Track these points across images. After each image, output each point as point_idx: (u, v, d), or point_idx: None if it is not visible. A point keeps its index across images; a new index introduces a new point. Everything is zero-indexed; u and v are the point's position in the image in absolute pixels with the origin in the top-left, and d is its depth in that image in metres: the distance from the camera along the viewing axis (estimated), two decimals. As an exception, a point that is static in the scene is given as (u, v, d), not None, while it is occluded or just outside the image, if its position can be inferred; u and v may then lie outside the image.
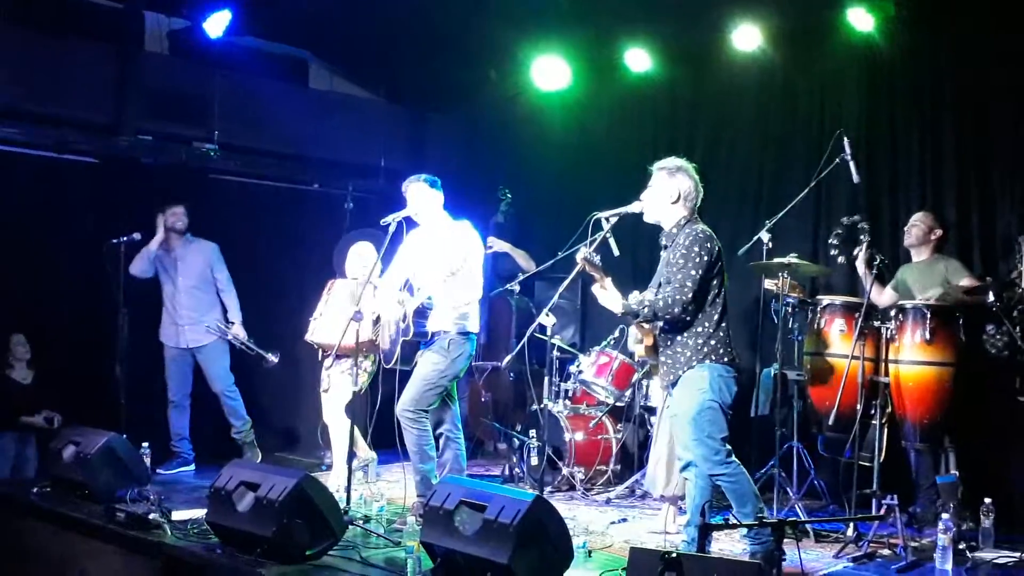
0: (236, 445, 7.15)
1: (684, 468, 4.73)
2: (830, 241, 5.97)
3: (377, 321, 5.80)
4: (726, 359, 4.65)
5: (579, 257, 4.69)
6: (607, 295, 4.71)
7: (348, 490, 5.37)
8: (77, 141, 7.22)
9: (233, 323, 7.07)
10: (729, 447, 4.62)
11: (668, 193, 4.76)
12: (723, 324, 4.67)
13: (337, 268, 6.96)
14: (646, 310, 4.59)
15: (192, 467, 7.08)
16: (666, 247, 4.76)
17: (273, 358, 6.28)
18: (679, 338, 4.66)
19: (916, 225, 5.96)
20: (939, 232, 5.92)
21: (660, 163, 4.86)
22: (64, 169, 7.23)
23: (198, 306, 7.09)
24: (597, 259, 4.67)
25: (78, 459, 5.55)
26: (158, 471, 6.70)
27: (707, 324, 4.63)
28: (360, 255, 6.41)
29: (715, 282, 4.64)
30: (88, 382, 6.96)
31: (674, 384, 4.70)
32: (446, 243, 5.63)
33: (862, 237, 5.80)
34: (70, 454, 5.62)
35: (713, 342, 4.62)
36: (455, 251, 5.55)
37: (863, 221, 5.86)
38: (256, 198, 8.05)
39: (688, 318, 4.61)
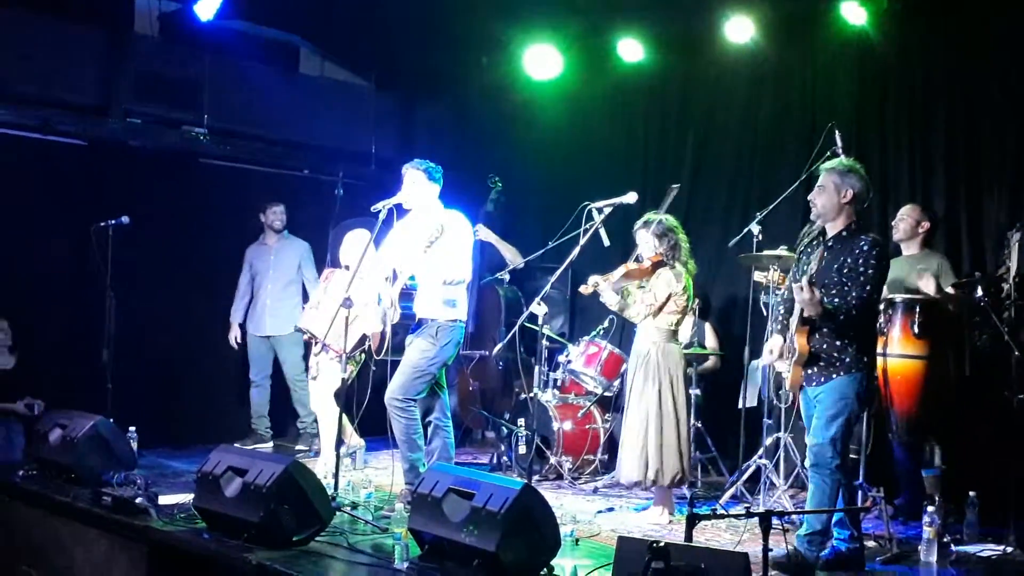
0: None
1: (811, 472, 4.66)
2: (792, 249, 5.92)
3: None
4: (873, 369, 4.67)
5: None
6: (809, 297, 4.46)
7: (336, 476, 5.36)
8: (65, 123, 7.17)
9: None
10: (843, 456, 4.56)
11: (841, 194, 4.59)
12: (875, 337, 4.68)
13: (332, 255, 6.94)
14: (842, 317, 4.47)
15: (270, 444, 7.43)
16: (831, 248, 4.61)
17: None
18: (838, 343, 4.54)
19: (903, 219, 5.97)
20: (927, 225, 5.92)
21: (829, 164, 4.73)
22: (51, 151, 7.17)
23: (283, 298, 7.48)
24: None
25: (64, 442, 5.52)
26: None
27: (866, 335, 4.60)
28: (355, 243, 6.37)
29: (878, 295, 4.65)
30: (75, 366, 6.93)
31: (820, 383, 4.58)
32: (429, 226, 5.56)
33: None
34: (56, 437, 5.60)
35: (871, 354, 4.63)
36: (433, 225, 5.46)
37: None
38: (245, 183, 8.01)
39: (851, 322, 4.51)
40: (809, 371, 4.62)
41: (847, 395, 4.53)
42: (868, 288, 4.47)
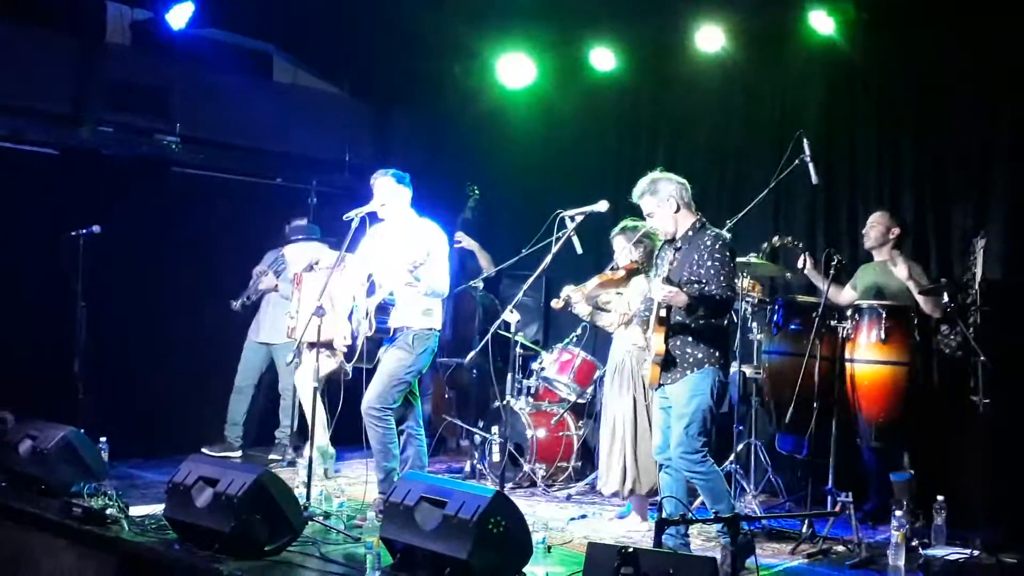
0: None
1: (666, 465, 4.79)
2: (761, 257, 5.99)
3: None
4: (727, 368, 4.76)
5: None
6: (670, 292, 4.54)
7: (308, 486, 5.35)
8: (36, 132, 7.12)
9: None
10: (706, 448, 4.68)
11: (668, 207, 4.77)
12: (731, 331, 4.75)
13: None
14: (704, 310, 4.58)
15: (238, 454, 7.35)
16: (680, 248, 4.76)
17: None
18: (691, 340, 4.67)
19: (874, 226, 6.03)
20: (897, 231, 5.99)
21: (637, 189, 4.85)
22: (22, 160, 7.10)
23: (286, 307, 7.22)
24: None
25: (35, 454, 5.48)
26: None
27: (719, 330, 4.70)
28: (299, 258, 6.53)
29: (734, 290, 4.73)
30: (46, 376, 6.85)
31: (673, 381, 4.70)
32: (409, 238, 5.61)
33: (798, 252, 5.92)
34: (26, 448, 5.55)
35: (724, 348, 4.71)
36: (418, 244, 5.50)
37: (788, 240, 5.98)
38: (218, 192, 7.98)
39: (709, 320, 4.64)
40: (665, 370, 4.73)
41: (699, 390, 4.64)
42: (727, 282, 4.61)
